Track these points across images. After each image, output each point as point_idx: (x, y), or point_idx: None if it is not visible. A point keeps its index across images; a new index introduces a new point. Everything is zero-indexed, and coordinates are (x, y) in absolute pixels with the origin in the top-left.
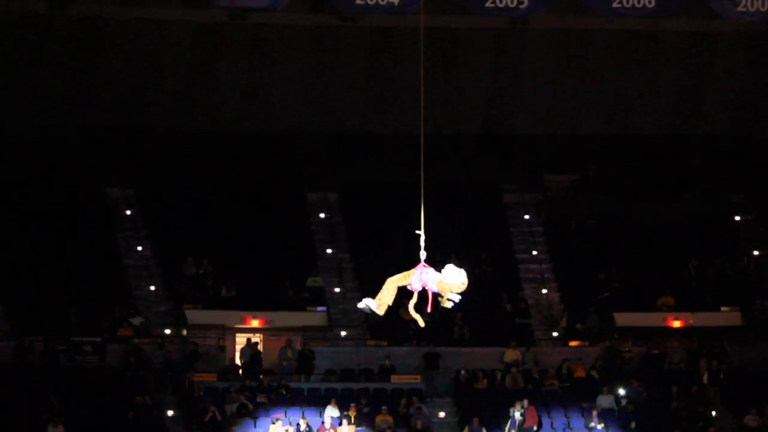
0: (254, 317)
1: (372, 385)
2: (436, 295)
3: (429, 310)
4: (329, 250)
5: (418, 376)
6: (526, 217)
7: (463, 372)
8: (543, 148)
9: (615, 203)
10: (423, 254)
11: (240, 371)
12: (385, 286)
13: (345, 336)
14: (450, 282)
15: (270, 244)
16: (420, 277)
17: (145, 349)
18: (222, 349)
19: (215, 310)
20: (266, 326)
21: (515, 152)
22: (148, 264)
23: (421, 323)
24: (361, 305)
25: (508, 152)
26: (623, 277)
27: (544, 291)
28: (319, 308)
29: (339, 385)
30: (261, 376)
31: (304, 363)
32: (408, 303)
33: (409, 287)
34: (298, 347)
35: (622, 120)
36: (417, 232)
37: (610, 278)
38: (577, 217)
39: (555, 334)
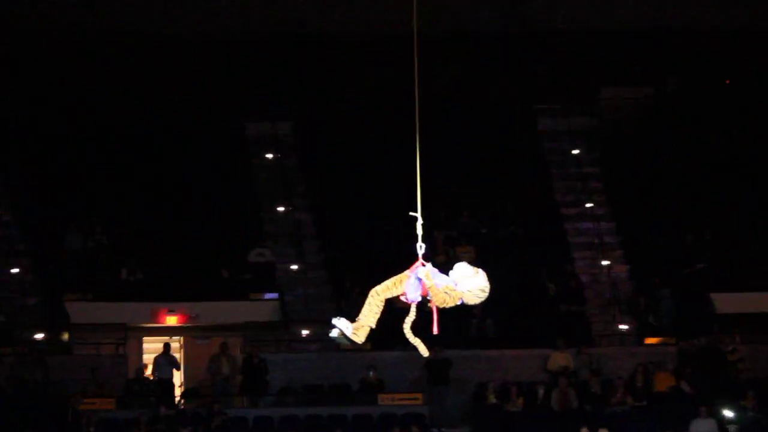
0: (171, 311)
1: (350, 410)
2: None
3: (435, 331)
4: (280, 208)
5: (419, 395)
6: (575, 152)
7: (489, 387)
8: (598, 48)
9: (708, 130)
10: (421, 247)
11: (151, 394)
12: (367, 301)
13: (308, 336)
14: (463, 290)
15: (193, 201)
16: (418, 284)
17: (5, 362)
18: (123, 360)
19: (112, 302)
20: (189, 324)
21: (556, 55)
22: (9, 235)
23: (424, 351)
24: (334, 334)
25: (545, 55)
26: (722, 241)
27: (605, 263)
28: (268, 295)
29: (300, 411)
30: (182, 401)
31: (250, 378)
32: (404, 322)
33: (403, 299)
34: (239, 355)
35: (720, 5)
36: (412, 214)
37: (702, 243)
38: (651, 151)
39: (623, 327)
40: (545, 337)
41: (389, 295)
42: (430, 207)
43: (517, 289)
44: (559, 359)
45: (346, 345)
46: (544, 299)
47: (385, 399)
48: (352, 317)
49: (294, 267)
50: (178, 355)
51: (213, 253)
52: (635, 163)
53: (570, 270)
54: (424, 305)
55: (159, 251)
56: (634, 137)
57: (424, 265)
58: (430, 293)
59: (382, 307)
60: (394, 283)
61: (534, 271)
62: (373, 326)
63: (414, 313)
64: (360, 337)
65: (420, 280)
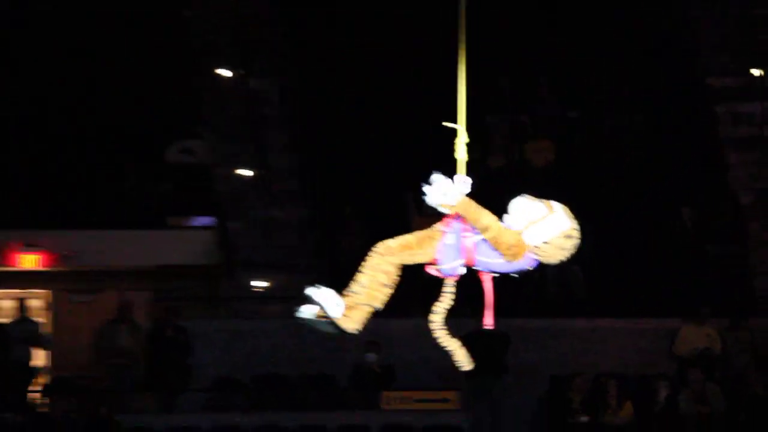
0: (29, 247)
1: (335, 420)
2: (498, 278)
3: (487, 323)
4: (225, 73)
5: (452, 395)
6: None
7: (575, 382)
8: None
9: None
10: (465, 182)
11: None
12: (368, 264)
13: (264, 292)
14: (536, 242)
15: (68, 64)
16: (458, 246)
17: None
18: None
19: None
20: (61, 269)
21: None
22: None
23: (466, 363)
24: (306, 315)
25: None
26: None
27: None
28: (198, 221)
29: (249, 421)
30: (45, 399)
31: (161, 363)
32: (432, 309)
33: (432, 271)
34: (146, 322)
35: None
36: (448, 125)
37: None
38: None
39: None
40: (674, 299)
41: (408, 261)
42: (477, 72)
43: (628, 218)
44: (696, 337)
45: (330, 334)
46: (675, 235)
47: (393, 401)
48: (344, 282)
49: (244, 173)
50: (43, 321)
51: (104, 147)
52: None
53: (721, 185)
54: (470, 281)
55: (8, 149)
56: None
57: (463, 217)
58: (483, 249)
59: (395, 278)
60: (418, 242)
61: (659, 187)
62: (379, 307)
63: (450, 297)
64: (353, 323)
65: (462, 240)
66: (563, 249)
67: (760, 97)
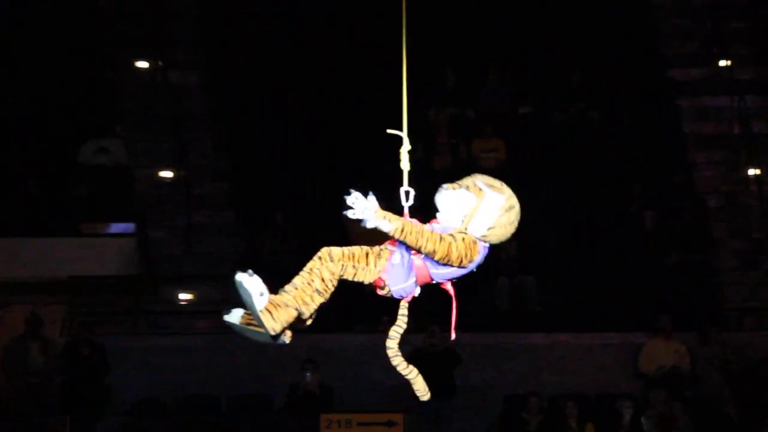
0: None
1: None
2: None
3: (453, 336)
4: (142, 64)
5: (398, 417)
6: None
7: (531, 404)
8: None
9: None
10: (408, 194)
11: None
12: (309, 267)
13: (189, 305)
14: (482, 226)
15: None
16: (409, 265)
17: None
18: None
19: None
20: None
21: None
22: None
23: (424, 394)
24: (231, 319)
25: None
26: None
27: (753, 171)
28: (117, 227)
29: None
30: None
31: (76, 383)
32: (387, 335)
33: (381, 293)
34: (59, 338)
35: None
36: (393, 132)
37: None
38: None
39: None
40: (637, 311)
41: (349, 274)
42: (421, 64)
43: (586, 222)
44: (663, 353)
45: (256, 338)
46: (636, 241)
47: (333, 424)
48: (278, 281)
49: (166, 174)
50: None
51: (13, 145)
52: None
53: (685, 185)
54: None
55: None
56: None
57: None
58: (426, 248)
59: (331, 288)
60: (364, 256)
61: (619, 188)
62: (306, 315)
63: (404, 319)
64: (273, 323)
65: (411, 259)
66: (510, 223)
67: (728, 91)
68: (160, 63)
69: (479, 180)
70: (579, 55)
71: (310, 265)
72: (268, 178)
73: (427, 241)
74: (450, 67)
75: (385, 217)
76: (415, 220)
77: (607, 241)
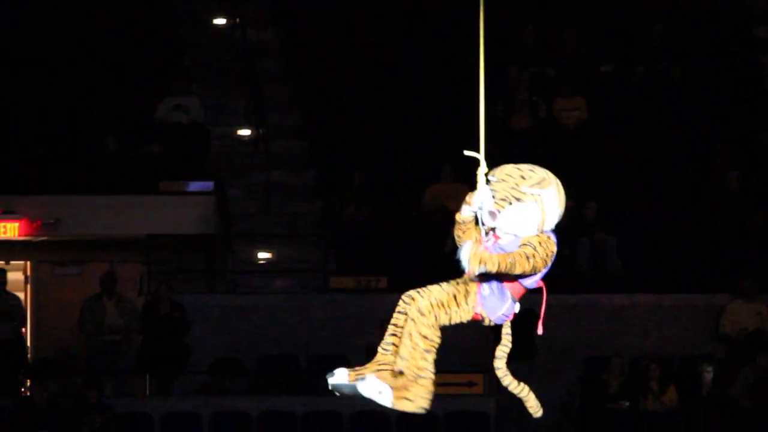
0: (7, 213)
1: (345, 406)
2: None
3: (540, 330)
4: (219, 21)
5: (479, 378)
6: None
7: (612, 365)
8: None
9: None
10: (484, 229)
11: None
12: (407, 332)
13: (268, 264)
14: (550, 222)
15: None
16: (501, 292)
17: None
18: None
19: None
20: (43, 237)
21: None
22: None
23: (538, 409)
24: (338, 379)
25: None
26: None
27: None
28: (195, 186)
29: (253, 405)
30: (27, 382)
31: (156, 342)
32: (494, 355)
33: (484, 324)
34: (137, 297)
35: None
36: (470, 153)
37: None
38: None
39: None
40: (720, 272)
41: (444, 321)
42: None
43: (668, 182)
44: (745, 315)
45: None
46: (720, 201)
47: None
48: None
49: (243, 132)
50: (22, 297)
51: (88, 105)
52: None
53: None
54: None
55: None
56: None
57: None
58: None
59: (438, 339)
60: (453, 298)
61: (700, 146)
62: (431, 374)
63: (509, 339)
64: (418, 402)
65: (501, 285)
66: (564, 197)
67: None
68: (237, 20)
69: (523, 186)
70: (660, 10)
71: (406, 329)
72: (347, 138)
73: (516, 266)
74: (531, 24)
75: (480, 262)
76: (492, 240)
77: (690, 200)
